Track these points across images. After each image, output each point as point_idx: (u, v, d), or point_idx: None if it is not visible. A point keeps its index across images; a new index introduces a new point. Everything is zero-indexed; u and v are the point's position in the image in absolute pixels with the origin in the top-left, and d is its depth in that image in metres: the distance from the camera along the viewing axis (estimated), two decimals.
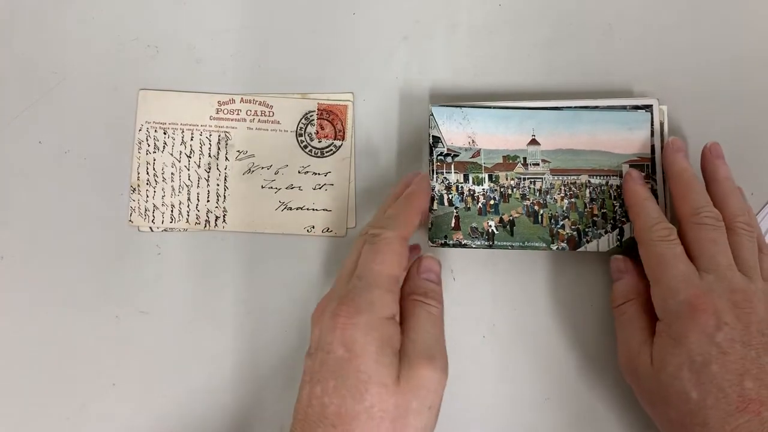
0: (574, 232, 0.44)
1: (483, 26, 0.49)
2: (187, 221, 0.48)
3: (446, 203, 0.44)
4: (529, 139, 0.45)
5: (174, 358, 0.46)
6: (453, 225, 0.44)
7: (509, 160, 0.45)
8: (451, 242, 0.44)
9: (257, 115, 0.48)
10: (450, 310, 0.44)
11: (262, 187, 0.48)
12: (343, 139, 0.48)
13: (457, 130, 0.45)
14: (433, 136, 0.45)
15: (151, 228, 0.48)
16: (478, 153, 0.45)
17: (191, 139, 0.48)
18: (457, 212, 0.44)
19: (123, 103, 0.48)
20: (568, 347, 0.46)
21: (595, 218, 0.44)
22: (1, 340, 0.46)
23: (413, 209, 0.41)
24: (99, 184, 0.48)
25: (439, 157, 0.45)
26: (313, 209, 0.48)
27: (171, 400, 0.46)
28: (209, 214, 0.48)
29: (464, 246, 0.44)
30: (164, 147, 0.48)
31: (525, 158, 0.45)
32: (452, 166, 0.45)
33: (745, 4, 0.49)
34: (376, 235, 0.39)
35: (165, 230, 0.48)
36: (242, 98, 0.48)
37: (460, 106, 0.45)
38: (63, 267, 0.47)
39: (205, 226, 0.48)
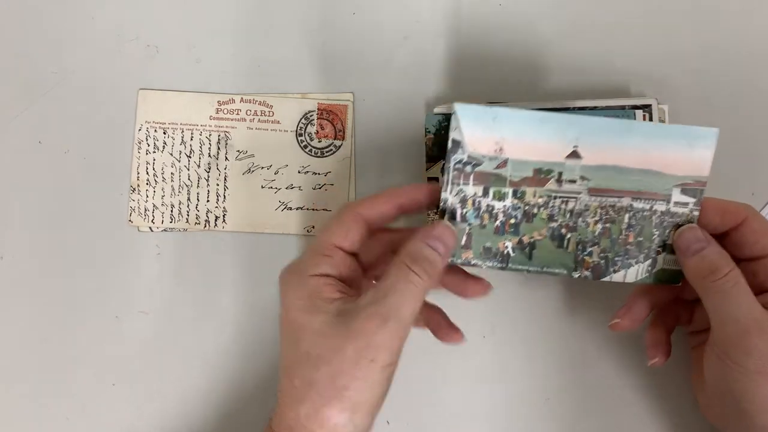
0: (602, 260, 0.39)
1: (483, 26, 0.49)
2: (187, 221, 0.48)
3: (459, 218, 0.38)
4: (570, 151, 0.37)
5: (174, 358, 0.46)
6: (463, 243, 0.39)
7: (541, 175, 0.37)
8: (458, 260, 0.39)
9: (257, 115, 0.48)
10: (450, 310, 0.44)
11: (262, 187, 0.48)
12: (343, 139, 0.48)
13: (483, 134, 0.37)
14: (453, 139, 0.37)
15: (150, 228, 0.48)
16: (504, 163, 0.37)
17: (191, 139, 0.48)
18: (470, 229, 0.39)
19: (123, 103, 0.48)
20: (568, 347, 0.46)
21: (629, 247, 0.39)
22: (1, 340, 0.46)
23: (387, 196, 0.39)
24: (99, 184, 0.48)
25: (456, 165, 0.37)
26: (313, 209, 0.48)
27: (171, 400, 0.46)
28: (209, 214, 0.48)
29: (473, 266, 0.39)
30: (164, 147, 0.48)
31: (561, 173, 0.38)
32: (471, 177, 0.37)
33: (745, 3, 0.49)
34: (340, 207, 0.40)
35: (165, 230, 0.48)
36: (242, 98, 0.48)
37: (491, 104, 0.40)
38: (63, 267, 0.47)
39: (205, 226, 0.48)
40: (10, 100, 0.48)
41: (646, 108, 0.46)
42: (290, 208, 0.48)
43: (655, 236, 0.39)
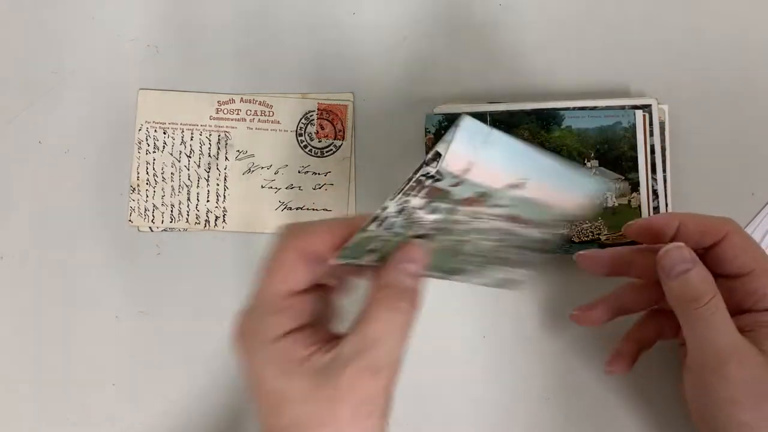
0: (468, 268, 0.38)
1: (483, 26, 0.49)
2: (187, 221, 0.48)
3: (383, 226, 0.33)
4: (517, 182, 0.34)
5: (174, 358, 0.46)
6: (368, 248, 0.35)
7: (480, 197, 0.34)
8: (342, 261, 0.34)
9: (257, 115, 0.48)
10: (450, 310, 0.44)
11: (262, 187, 0.48)
12: (343, 139, 0.48)
13: (464, 152, 0.32)
14: (436, 151, 0.32)
15: (150, 228, 0.48)
16: (459, 183, 0.33)
17: (191, 139, 0.48)
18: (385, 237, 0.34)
19: (123, 103, 0.48)
20: (567, 347, 0.46)
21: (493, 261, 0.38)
22: (1, 340, 0.46)
23: (328, 228, 0.34)
24: (99, 184, 0.48)
25: (420, 177, 0.32)
26: (313, 209, 0.48)
27: (171, 400, 0.46)
28: (209, 214, 0.48)
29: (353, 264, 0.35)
30: (164, 147, 0.48)
31: (493, 197, 0.34)
32: (425, 191, 0.33)
33: (745, 4, 0.49)
34: (277, 235, 0.34)
35: (165, 230, 0.48)
36: (242, 98, 0.48)
37: (492, 103, 0.43)
38: (63, 267, 0.47)
39: (205, 226, 0.48)
40: (10, 100, 0.48)
41: (646, 108, 0.46)
42: (290, 208, 0.48)
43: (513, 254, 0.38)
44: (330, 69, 0.49)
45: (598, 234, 0.44)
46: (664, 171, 0.45)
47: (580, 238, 0.44)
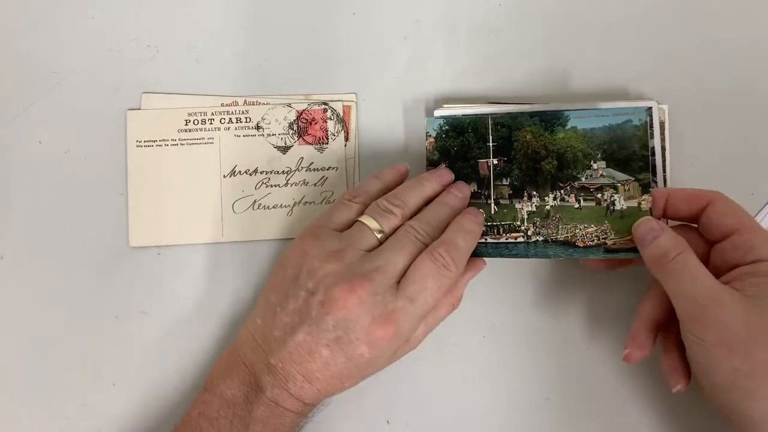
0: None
1: (483, 26, 0.49)
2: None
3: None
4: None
5: (174, 358, 0.46)
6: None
7: None
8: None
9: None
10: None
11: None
12: (346, 139, 0.48)
13: None
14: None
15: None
16: None
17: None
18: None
19: (123, 103, 0.48)
20: (568, 347, 0.46)
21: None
22: (1, 340, 0.46)
23: (469, 243, 0.42)
24: (99, 184, 0.48)
25: None
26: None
27: (171, 400, 0.46)
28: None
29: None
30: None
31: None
32: None
33: (745, 4, 0.49)
34: (446, 265, 0.39)
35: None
36: (245, 100, 0.48)
37: (492, 104, 0.46)
38: (63, 267, 0.47)
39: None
40: (10, 100, 0.48)
41: (647, 110, 0.45)
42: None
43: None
44: (330, 69, 0.49)
45: (604, 239, 0.43)
46: (664, 171, 0.45)
47: (584, 243, 0.43)
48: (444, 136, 0.45)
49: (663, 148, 0.45)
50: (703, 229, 0.41)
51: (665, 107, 0.46)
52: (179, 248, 0.47)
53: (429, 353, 0.46)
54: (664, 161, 0.46)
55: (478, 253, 0.43)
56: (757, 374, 0.36)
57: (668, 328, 0.42)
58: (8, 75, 0.49)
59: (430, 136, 0.45)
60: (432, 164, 0.45)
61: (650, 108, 0.44)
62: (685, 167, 0.47)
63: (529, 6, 0.49)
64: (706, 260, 0.40)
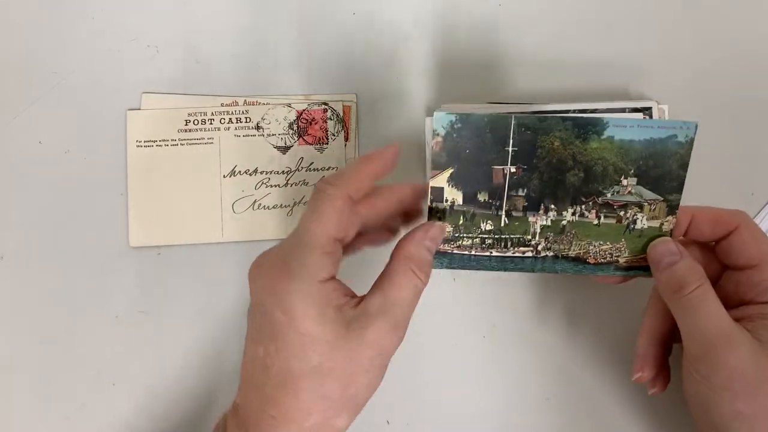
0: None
1: (483, 26, 0.49)
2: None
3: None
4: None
5: (174, 358, 0.46)
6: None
7: None
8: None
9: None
10: (450, 310, 0.44)
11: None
12: (346, 139, 0.48)
13: None
14: None
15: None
16: None
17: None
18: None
19: (123, 103, 0.48)
20: (568, 347, 0.46)
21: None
22: (1, 340, 0.46)
23: (364, 170, 0.37)
24: (99, 184, 0.48)
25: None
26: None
27: (171, 400, 0.46)
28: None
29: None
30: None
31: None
32: None
33: (745, 3, 0.49)
34: (321, 190, 0.36)
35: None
36: (245, 100, 0.48)
37: (492, 103, 0.44)
38: (63, 266, 0.47)
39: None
40: (10, 100, 0.48)
41: (647, 110, 0.46)
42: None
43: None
44: (330, 69, 0.49)
45: (617, 256, 0.40)
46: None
47: (596, 260, 0.41)
48: (455, 135, 0.39)
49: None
50: (721, 252, 0.39)
51: (665, 107, 0.46)
52: (179, 248, 0.47)
53: (429, 353, 0.46)
54: None
55: (481, 266, 0.41)
56: (759, 419, 0.35)
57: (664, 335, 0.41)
58: (8, 75, 0.49)
59: (438, 134, 0.39)
60: (438, 168, 0.39)
61: (650, 109, 0.44)
62: None
63: (529, 6, 0.49)
64: (715, 281, 0.39)
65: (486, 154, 0.39)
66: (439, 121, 0.38)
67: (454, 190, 0.40)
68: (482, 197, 0.40)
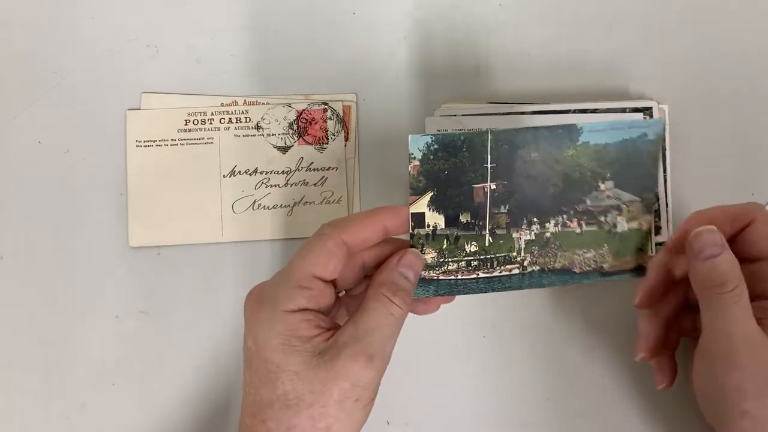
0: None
1: (483, 26, 0.49)
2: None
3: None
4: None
5: (174, 358, 0.46)
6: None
7: None
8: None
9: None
10: (450, 310, 0.44)
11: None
12: (346, 139, 0.48)
13: None
14: None
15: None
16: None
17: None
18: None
19: (123, 103, 0.48)
20: (568, 347, 0.46)
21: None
22: (1, 340, 0.46)
23: (369, 220, 0.37)
24: (99, 184, 0.48)
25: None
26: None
27: (171, 400, 0.46)
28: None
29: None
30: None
31: None
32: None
33: (745, 4, 0.49)
34: (319, 230, 0.37)
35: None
36: (245, 100, 0.48)
37: (492, 103, 0.44)
38: (63, 267, 0.47)
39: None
40: (10, 100, 0.48)
41: (647, 110, 0.46)
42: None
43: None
44: (330, 69, 0.49)
45: (602, 263, 0.41)
46: (665, 171, 0.45)
47: (581, 269, 0.41)
48: (432, 157, 0.38)
49: (663, 149, 0.45)
50: (737, 245, 0.39)
51: (665, 107, 0.46)
52: (179, 248, 0.47)
53: (429, 353, 0.46)
54: (664, 162, 0.46)
55: (469, 290, 0.40)
56: (764, 420, 0.35)
57: (668, 327, 0.41)
58: (8, 75, 0.49)
59: (414, 158, 0.38)
60: (417, 193, 0.38)
61: (650, 108, 0.44)
62: (685, 167, 0.47)
63: (529, 6, 0.49)
64: None
65: (465, 174, 0.38)
66: (415, 143, 0.38)
67: (436, 214, 0.39)
68: (464, 218, 0.39)
